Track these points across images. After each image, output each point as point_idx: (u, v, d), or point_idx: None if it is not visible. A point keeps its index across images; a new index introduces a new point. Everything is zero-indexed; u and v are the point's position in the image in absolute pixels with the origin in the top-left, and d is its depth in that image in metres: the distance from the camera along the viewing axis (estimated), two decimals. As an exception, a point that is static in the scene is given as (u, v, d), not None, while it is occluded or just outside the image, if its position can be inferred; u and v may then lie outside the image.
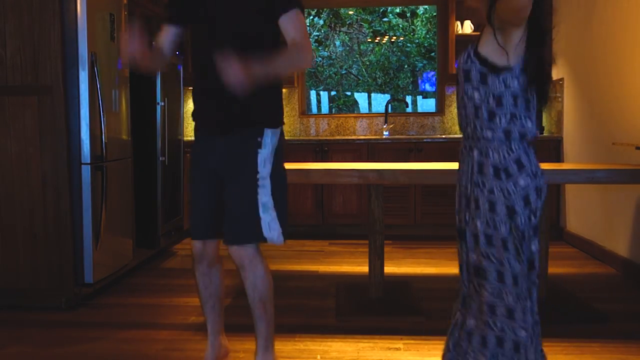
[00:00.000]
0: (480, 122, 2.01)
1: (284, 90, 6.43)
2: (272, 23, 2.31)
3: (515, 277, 1.98)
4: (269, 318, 2.48)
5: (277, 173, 2.40)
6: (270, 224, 2.39)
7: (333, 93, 11.50)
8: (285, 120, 6.65)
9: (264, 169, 2.36)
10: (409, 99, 11.40)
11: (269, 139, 2.37)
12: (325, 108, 11.27)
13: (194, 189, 2.49)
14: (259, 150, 2.36)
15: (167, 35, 2.52)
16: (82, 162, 3.66)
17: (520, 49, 1.93)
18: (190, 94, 6.44)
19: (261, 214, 2.37)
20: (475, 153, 2.05)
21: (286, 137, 6.29)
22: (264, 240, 2.42)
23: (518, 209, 1.96)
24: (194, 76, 2.48)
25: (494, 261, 1.99)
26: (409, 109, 10.23)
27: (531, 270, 2.02)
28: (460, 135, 2.18)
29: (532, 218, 1.99)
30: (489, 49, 1.97)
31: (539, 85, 1.98)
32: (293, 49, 2.25)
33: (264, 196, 2.36)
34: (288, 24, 2.28)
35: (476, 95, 2.01)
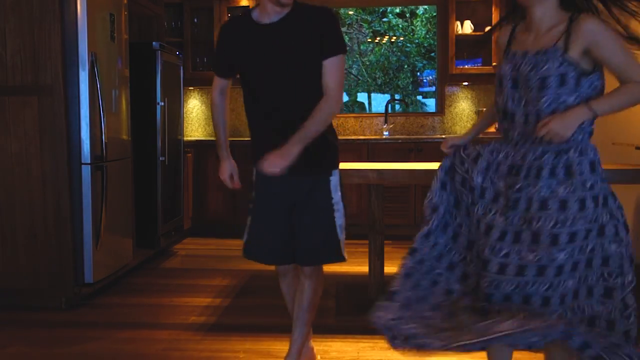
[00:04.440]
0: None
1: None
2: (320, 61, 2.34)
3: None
4: (310, 325, 2.66)
5: None
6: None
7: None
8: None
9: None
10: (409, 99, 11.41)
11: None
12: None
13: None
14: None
15: (222, 87, 2.61)
16: (82, 162, 3.66)
17: None
18: (190, 94, 6.45)
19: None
20: (530, 151, 2.07)
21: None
22: None
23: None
24: (254, 115, 2.51)
25: None
26: (409, 109, 10.22)
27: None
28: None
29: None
30: None
31: None
32: (323, 106, 2.31)
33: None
34: (330, 68, 2.32)
35: None
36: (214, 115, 2.60)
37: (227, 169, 2.60)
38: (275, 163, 2.21)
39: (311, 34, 2.30)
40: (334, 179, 2.48)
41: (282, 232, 2.49)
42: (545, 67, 1.92)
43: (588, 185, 1.91)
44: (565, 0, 2.00)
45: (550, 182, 1.92)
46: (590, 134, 2.02)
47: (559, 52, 1.92)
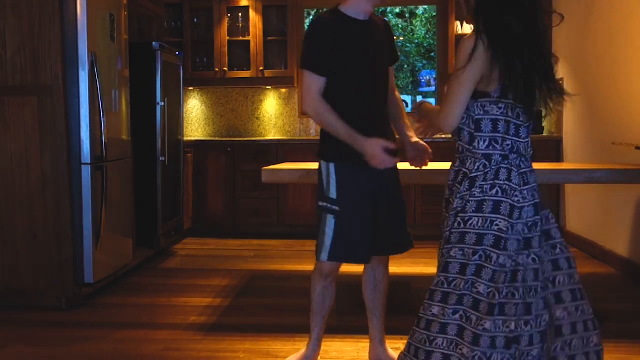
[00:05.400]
0: (463, 143, 2.08)
1: (283, 90, 6.44)
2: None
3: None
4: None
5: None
6: None
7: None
8: (285, 120, 6.64)
9: None
10: (408, 99, 11.40)
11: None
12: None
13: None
14: None
15: (321, 90, 2.47)
16: (82, 162, 3.66)
17: (500, 77, 1.97)
18: (190, 94, 6.45)
19: None
20: (457, 162, 2.14)
21: (286, 137, 6.29)
22: None
23: (469, 215, 2.00)
24: (350, 110, 2.46)
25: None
26: (408, 109, 10.20)
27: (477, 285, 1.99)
28: None
29: (489, 227, 1.98)
30: None
31: (526, 106, 2.00)
32: (402, 104, 2.76)
33: None
34: (392, 72, 2.69)
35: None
36: (330, 119, 2.40)
37: (379, 143, 2.37)
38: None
39: (387, 37, 2.60)
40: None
41: (370, 227, 2.53)
42: None
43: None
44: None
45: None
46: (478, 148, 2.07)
47: None
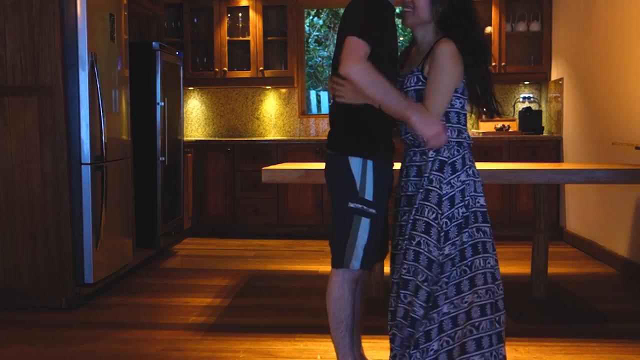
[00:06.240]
0: None
1: (283, 90, 6.44)
2: None
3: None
4: None
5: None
6: None
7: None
8: (285, 120, 6.64)
9: None
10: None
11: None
12: (325, 108, 11.27)
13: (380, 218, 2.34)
14: None
15: None
16: (82, 162, 3.66)
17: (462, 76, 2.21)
18: (190, 94, 6.45)
19: None
20: (431, 152, 2.23)
21: (286, 137, 6.29)
22: None
23: (457, 200, 2.18)
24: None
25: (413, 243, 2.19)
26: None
27: (462, 260, 2.17)
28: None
29: (474, 205, 2.20)
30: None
31: (486, 101, 2.26)
32: None
33: None
34: None
35: None
36: (382, 81, 2.12)
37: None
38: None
39: None
40: None
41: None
42: (408, 83, 2.24)
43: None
44: (442, 24, 2.22)
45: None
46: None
47: (418, 70, 2.22)
